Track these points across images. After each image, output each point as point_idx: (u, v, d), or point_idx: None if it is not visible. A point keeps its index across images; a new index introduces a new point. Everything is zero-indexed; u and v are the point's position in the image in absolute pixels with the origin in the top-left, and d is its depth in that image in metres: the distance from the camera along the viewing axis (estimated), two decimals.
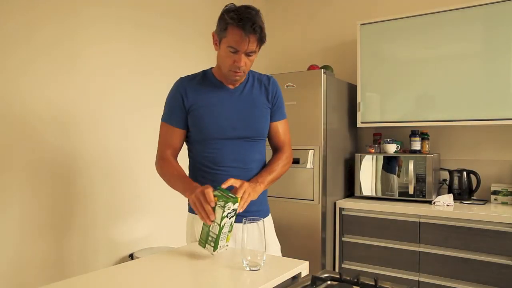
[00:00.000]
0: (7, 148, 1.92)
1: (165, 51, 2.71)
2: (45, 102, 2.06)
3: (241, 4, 1.41)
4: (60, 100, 2.13)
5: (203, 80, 1.53)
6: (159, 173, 1.51)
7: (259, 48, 1.43)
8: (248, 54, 1.39)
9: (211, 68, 1.57)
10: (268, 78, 1.60)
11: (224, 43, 1.39)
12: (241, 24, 1.33)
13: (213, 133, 1.47)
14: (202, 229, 1.29)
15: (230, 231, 1.29)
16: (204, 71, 1.57)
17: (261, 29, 1.37)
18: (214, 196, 1.24)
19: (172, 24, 2.76)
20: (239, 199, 1.25)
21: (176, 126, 1.51)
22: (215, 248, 1.26)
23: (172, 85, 1.57)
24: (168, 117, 1.52)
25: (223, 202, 1.21)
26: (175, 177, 1.44)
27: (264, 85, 1.57)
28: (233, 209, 1.24)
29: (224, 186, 1.30)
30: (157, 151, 1.54)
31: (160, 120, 1.56)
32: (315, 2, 3.46)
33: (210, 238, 1.27)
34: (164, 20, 2.70)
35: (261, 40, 1.39)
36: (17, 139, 1.96)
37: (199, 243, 1.32)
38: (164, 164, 1.49)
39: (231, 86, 1.52)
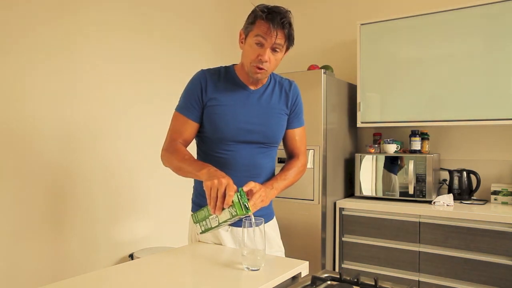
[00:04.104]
0: (4, 149, 1.92)
1: (163, 52, 2.71)
2: (42, 104, 2.06)
3: (250, 6, 1.41)
4: (57, 102, 2.12)
5: (225, 77, 1.47)
6: (165, 160, 1.43)
7: (286, 48, 1.40)
8: (274, 50, 1.36)
9: (233, 65, 1.52)
10: (290, 83, 1.56)
11: (250, 36, 1.36)
12: (270, 16, 1.32)
13: (229, 135, 1.43)
14: (203, 209, 1.28)
15: (223, 227, 1.30)
16: (225, 67, 1.51)
17: (290, 25, 1.35)
18: (232, 200, 1.20)
19: (173, 24, 2.76)
20: (251, 213, 1.21)
21: (191, 118, 1.44)
22: (203, 232, 1.28)
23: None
24: (183, 108, 1.45)
25: (235, 212, 1.19)
26: (185, 161, 1.36)
27: (285, 90, 1.53)
28: (240, 218, 1.24)
29: (245, 189, 1.24)
30: (166, 140, 1.47)
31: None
32: (315, 2, 3.46)
33: (204, 223, 1.27)
34: (165, 23, 2.70)
35: (289, 38, 1.37)
36: (15, 141, 1.96)
37: (192, 215, 1.32)
38: (173, 150, 1.41)
39: (252, 87, 1.48)
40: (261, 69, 1.38)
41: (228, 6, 3.19)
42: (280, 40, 1.35)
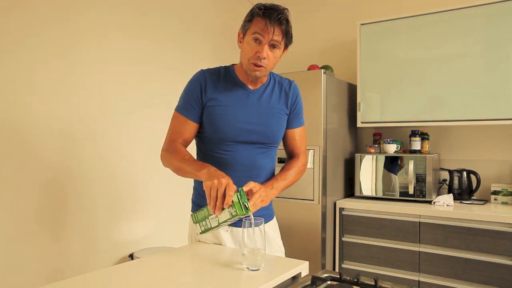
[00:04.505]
0: (5, 149, 1.92)
1: (162, 52, 2.71)
2: (42, 104, 2.06)
3: (249, 6, 1.41)
4: (58, 102, 2.12)
5: (225, 77, 1.47)
6: (165, 160, 1.43)
7: (285, 46, 1.41)
8: (272, 46, 1.36)
9: (233, 65, 1.52)
10: (290, 82, 1.56)
11: (248, 34, 1.37)
12: (267, 13, 1.33)
13: (229, 135, 1.42)
14: (203, 209, 1.28)
15: (223, 227, 1.30)
16: (225, 67, 1.51)
17: (287, 22, 1.36)
18: (232, 200, 1.19)
19: (173, 25, 2.76)
20: (250, 213, 1.21)
21: (190, 119, 1.44)
22: (203, 232, 1.28)
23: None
24: (183, 109, 1.45)
25: (235, 212, 1.19)
26: (185, 161, 1.36)
27: (285, 89, 1.53)
28: (240, 218, 1.24)
29: (245, 189, 1.24)
30: (165, 140, 1.47)
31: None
32: (315, 2, 3.46)
33: (203, 223, 1.27)
34: (164, 23, 2.70)
35: (286, 34, 1.37)
36: (16, 141, 1.96)
37: (191, 215, 1.33)
38: (173, 150, 1.41)
39: (251, 87, 1.48)
40: (259, 66, 1.38)
41: (227, 7, 3.19)
42: (278, 36, 1.35)
